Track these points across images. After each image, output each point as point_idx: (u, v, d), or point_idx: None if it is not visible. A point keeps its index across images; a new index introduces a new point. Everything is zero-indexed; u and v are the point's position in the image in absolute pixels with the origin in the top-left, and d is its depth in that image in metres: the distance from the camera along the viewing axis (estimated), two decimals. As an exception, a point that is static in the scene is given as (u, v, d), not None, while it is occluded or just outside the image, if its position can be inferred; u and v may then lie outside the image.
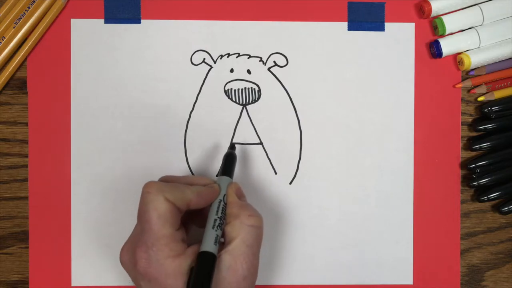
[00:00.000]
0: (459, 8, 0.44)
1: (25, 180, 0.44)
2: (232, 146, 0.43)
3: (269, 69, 0.45)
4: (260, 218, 0.36)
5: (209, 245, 0.34)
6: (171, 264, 0.33)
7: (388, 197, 0.45)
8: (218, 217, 0.36)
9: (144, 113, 0.44)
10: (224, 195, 0.38)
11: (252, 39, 0.45)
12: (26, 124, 0.44)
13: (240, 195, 0.39)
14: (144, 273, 0.33)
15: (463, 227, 0.46)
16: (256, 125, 0.45)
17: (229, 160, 0.41)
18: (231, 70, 0.45)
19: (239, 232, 0.35)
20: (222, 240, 0.36)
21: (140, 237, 0.34)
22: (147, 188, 0.34)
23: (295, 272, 0.45)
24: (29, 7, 0.43)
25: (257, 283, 0.44)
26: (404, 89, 0.45)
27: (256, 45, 0.45)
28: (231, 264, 0.34)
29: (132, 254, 0.34)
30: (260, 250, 0.36)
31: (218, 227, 0.35)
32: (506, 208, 0.45)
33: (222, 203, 0.37)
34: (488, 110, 0.45)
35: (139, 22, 0.44)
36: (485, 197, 0.45)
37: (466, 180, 0.46)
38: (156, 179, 0.44)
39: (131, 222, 0.44)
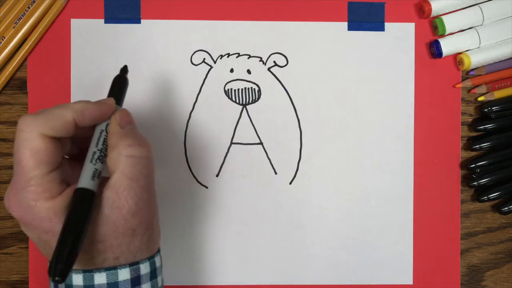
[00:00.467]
0: (459, 8, 0.44)
1: (25, 180, 0.44)
2: (124, 69, 0.37)
3: (269, 69, 0.45)
4: (144, 147, 0.32)
5: (85, 181, 0.30)
6: (43, 206, 0.29)
7: (388, 197, 0.45)
8: (98, 149, 0.31)
9: (144, 113, 0.44)
10: (107, 124, 0.33)
11: (252, 39, 0.45)
12: (26, 124, 0.44)
13: (125, 123, 0.33)
14: (19, 218, 0.30)
15: (463, 227, 0.46)
16: (256, 125, 0.45)
17: (118, 84, 0.36)
18: (231, 70, 0.45)
19: (118, 164, 0.31)
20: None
21: (13, 179, 0.30)
22: (21, 124, 0.30)
23: (295, 272, 0.45)
24: (29, 7, 0.43)
25: (256, 283, 0.45)
26: (404, 89, 0.45)
27: (256, 45, 0.45)
28: (114, 200, 0.30)
29: (7, 199, 0.31)
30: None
31: (98, 160, 0.31)
32: (506, 208, 0.45)
33: (104, 133, 0.33)
34: (488, 110, 0.45)
35: (139, 22, 0.44)
36: (485, 197, 0.45)
37: (466, 180, 0.46)
38: (156, 179, 0.44)
39: (131, 222, 0.44)
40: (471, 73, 0.45)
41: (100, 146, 0.32)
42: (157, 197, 0.40)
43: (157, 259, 0.33)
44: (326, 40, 0.45)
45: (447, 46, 0.44)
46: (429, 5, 0.43)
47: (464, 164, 0.45)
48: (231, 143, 0.45)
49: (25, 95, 0.44)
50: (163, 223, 0.44)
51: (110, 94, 0.36)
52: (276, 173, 0.45)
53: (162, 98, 0.44)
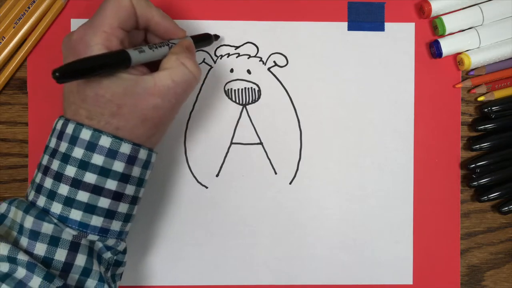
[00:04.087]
0: (459, 8, 0.44)
1: (25, 180, 0.44)
2: (215, 37, 0.43)
3: (269, 69, 0.45)
4: (197, 70, 0.36)
5: (135, 53, 0.34)
6: (98, 51, 0.33)
7: (388, 197, 0.45)
8: (160, 45, 0.36)
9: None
10: (173, 42, 0.37)
11: (252, 39, 0.45)
12: (26, 124, 0.44)
13: (190, 50, 0.38)
14: (72, 47, 0.34)
15: (463, 227, 0.46)
16: (256, 125, 0.45)
17: (203, 37, 0.41)
18: (231, 70, 0.45)
19: (172, 65, 0.35)
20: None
21: (89, 19, 0.35)
22: None
23: (295, 272, 0.45)
24: (29, 7, 0.43)
25: (256, 283, 0.45)
26: (404, 89, 0.45)
27: (256, 45, 0.45)
28: (149, 86, 0.34)
29: (72, 33, 0.35)
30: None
31: (153, 48, 0.35)
32: (506, 208, 0.45)
33: (171, 43, 0.37)
34: (488, 110, 0.45)
35: (139, 22, 0.44)
36: (485, 197, 0.45)
37: (466, 180, 0.46)
38: (156, 179, 0.44)
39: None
40: (471, 73, 0.45)
41: (163, 44, 0.36)
42: (157, 196, 0.44)
43: (153, 155, 0.36)
44: (326, 40, 0.45)
45: (447, 46, 0.44)
46: (429, 5, 0.43)
47: (464, 164, 0.45)
48: (231, 143, 0.45)
49: (25, 95, 0.44)
50: (163, 222, 0.44)
51: (195, 36, 0.40)
52: (276, 173, 0.45)
53: (162, 98, 0.44)
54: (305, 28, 0.45)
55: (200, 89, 0.45)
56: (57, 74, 0.30)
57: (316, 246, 0.45)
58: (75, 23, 0.44)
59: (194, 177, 0.45)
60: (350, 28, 0.45)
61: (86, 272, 0.33)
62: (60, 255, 0.32)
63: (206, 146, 0.45)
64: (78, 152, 0.33)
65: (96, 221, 0.33)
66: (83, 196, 0.33)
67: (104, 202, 0.33)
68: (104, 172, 0.33)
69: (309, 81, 0.45)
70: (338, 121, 0.45)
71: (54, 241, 0.32)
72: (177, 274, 0.44)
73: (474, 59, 0.44)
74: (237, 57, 0.45)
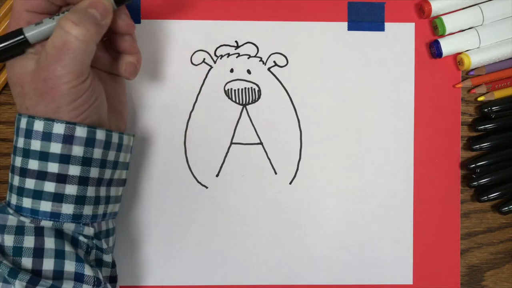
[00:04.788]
0: (459, 8, 0.44)
1: (25, 180, 0.44)
2: None
3: (269, 69, 0.45)
4: (77, 29, 0.32)
5: (30, 29, 0.34)
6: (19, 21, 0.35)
7: (388, 197, 0.45)
8: (61, 13, 0.35)
9: (144, 113, 0.44)
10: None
11: (252, 39, 0.45)
12: (26, 124, 0.44)
13: (89, 5, 0.34)
14: None
15: (463, 227, 0.46)
16: (256, 125, 0.45)
17: None
18: (231, 70, 0.45)
19: (54, 32, 0.33)
20: None
21: None
22: None
23: (295, 272, 0.45)
24: (29, 7, 0.43)
25: (256, 283, 0.45)
26: (404, 89, 0.45)
27: (256, 45, 0.45)
28: (42, 60, 0.33)
29: None
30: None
31: (54, 17, 0.35)
32: (506, 208, 0.45)
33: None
34: (488, 110, 0.45)
35: (139, 22, 0.44)
36: (485, 197, 0.45)
37: (466, 180, 0.46)
38: (156, 179, 0.44)
39: (130, 221, 0.44)
40: (471, 73, 0.45)
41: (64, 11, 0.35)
42: (157, 196, 0.44)
43: (99, 132, 0.35)
44: (326, 40, 0.45)
45: (447, 46, 0.44)
46: (429, 5, 0.43)
47: (464, 164, 0.45)
48: (231, 143, 0.45)
49: (25, 95, 0.44)
50: (163, 223, 0.44)
51: None
52: (276, 173, 0.45)
53: (162, 98, 0.44)
54: (305, 28, 0.45)
55: (200, 89, 0.45)
56: None
57: (316, 246, 0.45)
58: (75, 23, 0.44)
59: (194, 177, 0.45)
60: (350, 28, 0.45)
61: (59, 254, 0.34)
62: (29, 242, 0.33)
63: (206, 146, 0.45)
64: (20, 142, 0.34)
65: (45, 206, 0.34)
66: (30, 183, 0.34)
67: (49, 186, 0.34)
68: (43, 156, 0.34)
69: (309, 81, 0.45)
70: (338, 121, 0.45)
71: (20, 230, 0.33)
72: (177, 274, 0.44)
73: (474, 59, 0.44)
74: (237, 57, 0.45)
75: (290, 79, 0.45)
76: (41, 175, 0.34)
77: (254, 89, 0.45)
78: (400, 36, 0.45)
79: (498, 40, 0.44)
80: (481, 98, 0.46)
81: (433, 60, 0.45)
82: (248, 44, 0.45)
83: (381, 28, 0.45)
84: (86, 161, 0.34)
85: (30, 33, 0.34)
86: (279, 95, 0.45)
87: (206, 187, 0.45)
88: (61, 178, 0.34)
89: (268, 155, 0.45)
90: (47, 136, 0.33)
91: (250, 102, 0.45)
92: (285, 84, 0.45)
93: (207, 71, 0.45)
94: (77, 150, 0.34)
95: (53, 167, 0.33)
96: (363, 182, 0.45)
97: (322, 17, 0.45)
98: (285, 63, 0.45)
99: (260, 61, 0.45)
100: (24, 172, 0.34)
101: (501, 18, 0.44)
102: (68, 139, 0.33)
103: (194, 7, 0.44)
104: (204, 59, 0.45)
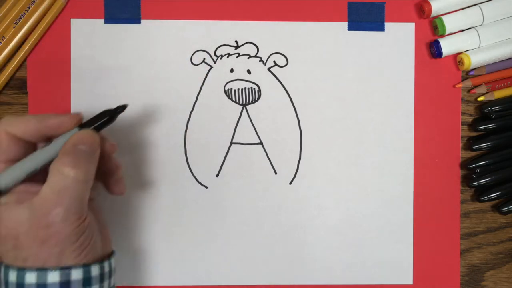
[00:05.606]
0: (459, 8, 0.44)
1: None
2: (121, 109, 0.37)
3: (269, 69, 0.45)
4: (79, 169, 0.32)
5: (4, 178, 0.33)
6: None
7: (388, 197, 0.45)
8: (40, 151, 0.34)
9: (144, 113, 0.44)
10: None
11: (252, 39, 0.45)
12: (26, 124, 0.44)
13: (80, 142, 0.34)
14: None
15: (463, 227, 0.46)
16: (256, 125, 0.45)
17: (102, 115, 0.36)
18: (231, 70, 0.45)
19: (50, 175, 0.32)
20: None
21: None
22: None
23: (295, 272, 0.45)
24: (29, 7, 0.43)
25: (256, 283, 0.45)
26: (404, 89, 0.45)
27: (256, 45, 0.45)
28: (37, 207, 0.32)
29: None
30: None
31: (35, 167, 0.33)
32: (506, 208, 0.45)
33: (56, 143, 0.34)
34: (488, 110, 0.45)
35: (139, 22, 0.44)
36: (485, 197, 0.45)
37: (466, 180, 0.46)
38: (156, 179, 0.44)
39: (130, 222, 0.44)
40: (471, 73, 0.45)
41: (50, 152, 0.34)
42: (157, 196, 0.43)
43: (93, 268, 0.33)
44: (326, 40, 0.45)
45: (447, 46, 0.44)
46: (429, 5, 0.43)
47: (464, 164, 0.45)
48: (231, 143, 0.45)
49: (25, 95, 0.44)
50: (163, 223, 0.44)
51: (90, 119, 0.36)
52: (276, 173, 0.45)
53: (162, 98, 0.44)
54: (305, 28, 0.45)
55: (200, 89, 0.45)
56: None
57: (316, 246, 0.45)
58: (75, 23, 0.44)
59: (194, 177, 0.45)
60: (350, 28, 0.45)
61: None
62: None
63: (206, 146, 0.45)
64: None
65: None
66: None
67: None
68: None
69: (309, 81, 0.45)
70: (338, 121, 0.45)
71: None
72: (177, 274, 0.44)
73: (474, 59, 0.44)
74: (237, 57, 0.45)
75: (290, 79, 0.45)
76: None
77: (254, 89, 0.45)
78: (400, 36, 0.45)
79: (498, 40, 0.44)
80: (481, 98, 0.46)
81: (433, 60, 0.45)
82: (248, 44, 0.45)
83: (381, 28, 0.45)
84: None
85: (4, 183, 0.32)
86: (279, 95, 0.45)
87: (206, 187, 0.45)
88: None
89: (268, 155, 0.45)
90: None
91: (250, 102, 0.45)
92: (285, 84, 0.45)
93: (207, 71, 0.45)
94: None
95: None
96: (363, 182, 0.45)
97: (322, 17, 0.45)
98: (285, 63, 0.45)
99: (260, 61, 0.45)
100: None
101: (501, 18, 0.44)
102: (65, 286, 0.32)
103: (194, 7, 0.45)
104: (204, 59, 0.45)
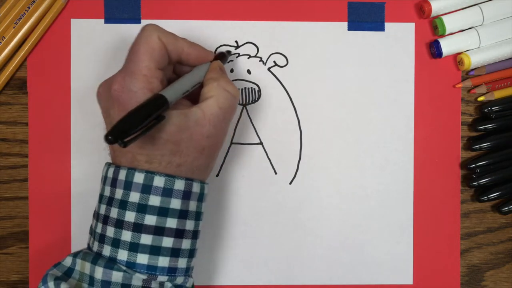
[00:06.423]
0: (459, 8, 0.44)
1: (25, 180, 0.44)
2: (227, 53, 0.43)
3: (269, 69, 0.45)
4: (237, 91, 0.37)
5: (171, 92, 0.33)
6: (144, 96, 0.33)
7: (388, 197, 0.45)
8: (187, 76, 0.36)
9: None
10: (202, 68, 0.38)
11: (252, 39, 0.45)
12: (26, 124, 0.44)
13: (223, 71, 0.39)
14: (116, 98, 0.33)
15: (463, 227, 0.46)
16: (256, 125, 0.45)
17: (223, 56, 0.41)
18: (231, 70, 0.45)
19: (215, 93, 0.35)
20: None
21: (123, 66, 0.35)
22: (144, 26, 0.36)
23: (295, 272, 0.45)
24: (29, 7, 0.43)
25: (256, 283, 0.45)
26: (404, 89, 0.45)
27: (256, 45, 0.45)
28: (199, 117, 0.34)
29: (109, 82, 0.35)
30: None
31: (184, 81, 0.35)
32: (506, 208, 0.45)
33: (203, 68, 0.38)
34: (488, 110, 0.45)
35: (139, 22, 0.44)
36: (485, 197, 0.45)
37: (466, 180, 0.46)
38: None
39: (131, 222, 0.44)
40: (471, 73, 0.45)
41: (198, 77, 0.37)
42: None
43: (206, 186, 0.36)
44: (326, 40, 0.45)
45: (447, 46, 0.44)
46: (429, 5, 0.43)
47: (464, 164, 0.45)
48: (231, 143, 0.45)
49: (25, 95, 0.44)
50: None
51: (217, 55, 0.40)
52: (276, 173, 0.45)
53: (162, 98, 0.44)
54: (305, 28, 0.45)
55: (200, 89, 0.45)
56: (110, 138, 0.29)
57: (316, 246, 0.45)
58: (75, 23, 0.44)
59: (194, 177, 0.45)
60: (350, 28, 0.45)
61: None
62: None
63: (206, 146, 0.45)
64: (134, 197, 0.33)
65: (163, 261, 0.33)
66: (146, 239, 0.33)
67: (167, 242, 0.33)
68: (162, 211, 0.33)
69: (309, 81, 0.45)
70: (338, 121, 0.45)
71: None
72: (177, 274, 0.44)
73: (474, 59, 0.44)
74: (237, 57, 0.45)
75: (290, 79, 0.45)
76: (159, 231, 0.33)
77: (254, 89, 0.45)
78: (400, 36, 0.45)
79: (498, 40, 0.44)
80: (481, 98, 0.46)
81: (433, 60, 0.45)
82: (248, 44, 0.45)
83: (381, 28, 0.45)
84: (197, 215, 0.35)
85: (171, 97, 0.33)
86: (279, 95, 0.45)
87: (206, 187, 0.45)
88: (179, 233, 0.34)
89: (268, 155, 0.45)
90: (167, 192, 0.33)
91: (250, 102, 0.45)
92: (285, 84, 0.45)
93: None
94: (192, 205, 0.35)
95: (171, 223, 0.33)
96: (363, 182, 0.45)
97: (322, 17, 0.45)
98: (285, 63, 0.45)
99: (260, 61, 0.45)
100: (140, 228, 0.33)
101: (501, 18, 0.44)
102: (187, 195, 0.34)
103: (194, 7, 0.45)
104: (204, 59, 0.45)
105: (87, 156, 0.44)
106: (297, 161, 0.45)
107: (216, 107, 0.35)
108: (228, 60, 0.44)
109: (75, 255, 0.34)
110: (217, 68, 0.38)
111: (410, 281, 0.45)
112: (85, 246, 0.36)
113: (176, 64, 0.38)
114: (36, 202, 0.44)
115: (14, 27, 0.43)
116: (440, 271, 0.46)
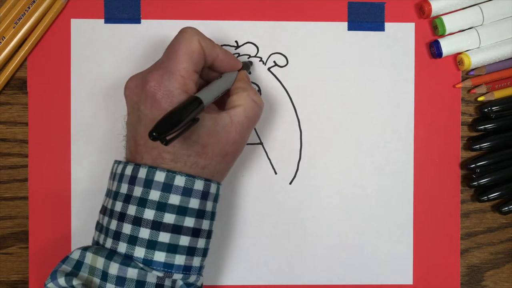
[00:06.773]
0: (459, 8, 0.44)
1: (25, 180, 0.44)
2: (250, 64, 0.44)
3: (269, 69, 0.45)
4: (263, 103, 0.39)
5: (206, 96, 0.34)
6: (179, 96, 0.34)
7: (388, 197, 0.45)
8: (218, 82, 0.37)
9: (144, 113, 0.44)
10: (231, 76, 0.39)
11: (252, 39, 0.45)
12: (26, 124, 0.44)
13: (250, 82, 0.41)
14: (152, 94, 0.34)
15: (463, 227, 0.46)
16: (256, 125, 0.45)
17: (247, 66, 0.43)
18: (231, 70, 0.45)
19: (244, 102, 0.37)
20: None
21: (160, 64, 0.35)
22: (185, 29, 0.36)
23: (295, 272, 0.45)
24: (29, 7, 0.43)
25: (256, 283, 0.45)
26: (404, 89, 0.45)
27: (256, 45, 0.45)
28: (227, 123, 0.35)
29: (143, 78, 0.35)
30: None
31: (214, 86, 0.36)
32: (506, 208, 0.45)
33: (233, 77, 0.39)
34: (488, 110, 0.45)
35: (139, 22, 0.44)
36: (485, 197, 0.45)
37: (466, 180, 0.46)
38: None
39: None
40: (471, 73, 0.45)
41: (229, 84, 0.38)
42: None
43: (220, 187, 0.37)
44: (326, 40, 0.45)
45: (447, 46, 0.44)
46: (429, 5, 0.43)
47: (464, 164, 0.45)
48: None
49: (25, 95, 0.44)
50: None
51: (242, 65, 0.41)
52: (276, 173, 0.45)
53: (162, 98, 0.44)
54: (305, 28, 0.45)
55: (200, 89, 0.45)
56: (154, 134, 0.29)
57: (316, 246, 0.45)
58: (75, 23, 0.44)
59: (194, 177, 0.45)
60: (350, 28, 0.45)
61: None
62: None
63: (206, 146, 0.45)
64: (154, 195, 0.33)
65: (180, 259, 0.34)
66: (164, 237, 0.33)
67: (184, 240, 0.34)
68: (181, 210, 0.34)
69: (309, 81, 0.45)
70: (338, 121, 0.45)
71: (139, 285, 0.32)
72: (177, 274, 0.44)
73: (474, 59, 0.44)
74: (237, 57, 0.45)
75: (290, 79, 0.45)
76: (177, 229, 0.34)
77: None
78: (400, 36, 0.45)
79: (498, 40, 0.44)
80: (481, 98, 0.46)
81: (433, 60, 0.45)
82: (248, 44, 0.45)
83: (381, 28, 0.45)
84: (212, 215, 0.36)
85: (206, 100, 0.33)
86: (279, 95, 0.45)
87: (206, 187, 0.45)
88: (196, 232, 0.34)
89: (268, 155, 0.45)
90: (187, 192, 0.34)
91: (250, 102, 0.45)
92: (285, 84, 0.45)
93: (207, 71, 0.45)
94: (209, 206, 0.35)
95: (189, 222, 0.34)
96: (363, 182, 0.45)
97: (322, 17, 0.45)
98: (285, 63, 0.45)
99: (260, 61, 0.45)
100: (158, 226, 0.33)
101: (501, 18, 0.44)
102: (205, 195, 0.35)
103: (194, 7, 0.45)
104: (204, 59, 0.45)
105: (87, 156, 0.44)
106: (297, 161, 0.45)
107: (243, 116, 0.36)
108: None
109: (85, 249, 0.34)
110: (245, 78, 0.40)
111: (410, 281, 0.45)
112: (86, 245, 0.36)
113: (205, 68, 0.39)
114: (36, 202, 0.44)
115: (14, 27, 0.43)
116: (440, 271, 0.46)
